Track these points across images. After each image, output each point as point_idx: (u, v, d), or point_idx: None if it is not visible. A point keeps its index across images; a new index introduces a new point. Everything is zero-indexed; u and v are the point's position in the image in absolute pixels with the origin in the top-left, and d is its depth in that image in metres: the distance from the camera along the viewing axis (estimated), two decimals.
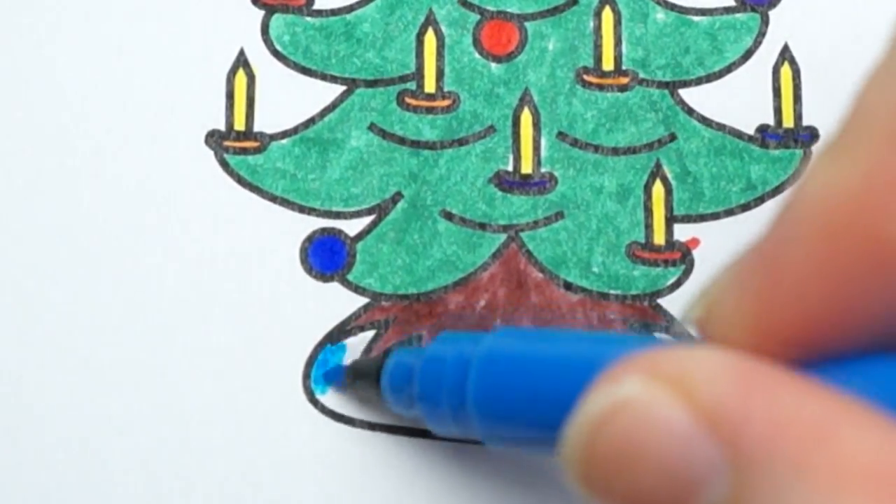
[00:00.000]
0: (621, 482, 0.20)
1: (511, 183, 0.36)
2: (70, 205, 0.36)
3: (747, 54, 0.37)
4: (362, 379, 0.34)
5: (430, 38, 0.37)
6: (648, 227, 0.36)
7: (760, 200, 0.37)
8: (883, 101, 0.20)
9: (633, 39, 0.37)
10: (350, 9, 0.37)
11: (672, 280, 0.36)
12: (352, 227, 0.36)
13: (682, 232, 0.36)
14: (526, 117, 0.37)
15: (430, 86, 0.37)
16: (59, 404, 0.35)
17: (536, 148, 0.37)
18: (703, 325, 0.22)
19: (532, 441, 0.27)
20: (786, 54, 0.37)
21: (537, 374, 0.26)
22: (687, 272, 0.36)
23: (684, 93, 0.37)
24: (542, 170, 0.37)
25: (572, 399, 0.22)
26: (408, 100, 0.37)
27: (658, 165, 0.37)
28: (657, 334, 0.36)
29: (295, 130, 0.37)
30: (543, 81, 0.37)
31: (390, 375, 0.33)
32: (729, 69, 0.37)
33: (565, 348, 0.26)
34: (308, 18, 0.37)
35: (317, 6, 0.37)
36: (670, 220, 0.36)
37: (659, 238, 0.36)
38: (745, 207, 0.36)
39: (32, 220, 0.36)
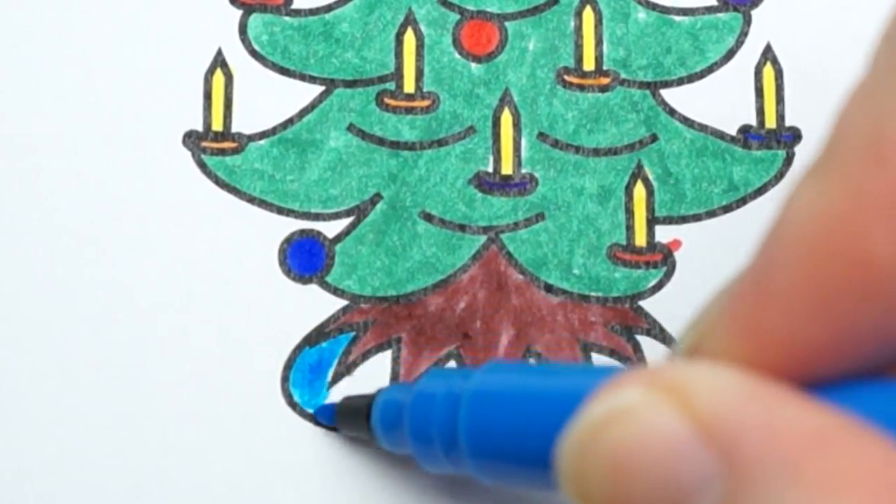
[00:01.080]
0: (615, 490, 0.20)
1: (491, 184, 0.36)
2: (47, 205, 0.36)
3: (729, 54, 0.37)
4: (352, 417, 0.34)
5: (409, 38, 0.37)
6: (629, 228, 0.36)
7: (743, 202, 0.36)
8: (863, 120, 0.20)
9: (614, 39, 0.37)
10: (329, 8, 0.37)
11: (653, 282, 0.36)
12: (330, 228, 0.36)
13: (663, 233, 0.36)
14: (506, 118, 0.37)
15: (409, 86, 0.37)
16: (35, 406, 0.34)
17: (517, 149, 0.36)
18: (692, 355, 0.22)
19: (526, 477, 0.26)
20: (768, 54, 0.37)
21: (529, 408, 0.26)
22: (668, 274, 0.36)
23: (666, 93, 0.37)
24: (523, 171, 0.36)
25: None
26: (387, 100, 0.37)
27: (639, 166, 0.36)
28: (639, 336, 0.35)
29: (273, 131, 0.36)
30: (524, 82, 0.37)
31: (380, 413, 0.32)
32: (711, 69, 0.37)
33: (557, 382, 0.26)
34: (286, 18, 0.37)
35: (295, 6, 0.37)
36: (652, 221, 0.36)
37: (640, 240, 0.36)
38: (727, 209, 0.36)
39: (8, 222, 0.36)
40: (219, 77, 0.37)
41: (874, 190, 0.20)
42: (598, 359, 0.35)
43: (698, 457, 0.19)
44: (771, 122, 0.37)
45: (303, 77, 0.37)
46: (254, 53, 0.37)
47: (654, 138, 0.37)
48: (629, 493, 0.20)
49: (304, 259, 0.36)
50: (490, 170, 0.36)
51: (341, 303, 0.36)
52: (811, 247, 0.20)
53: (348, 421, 0.34)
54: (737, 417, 0.19)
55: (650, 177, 0.36)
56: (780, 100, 0.37)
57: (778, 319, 0.20)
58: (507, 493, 0.34)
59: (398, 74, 0.37)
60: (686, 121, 0.37)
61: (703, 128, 0.37)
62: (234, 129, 0.36)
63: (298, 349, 0.35)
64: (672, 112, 0.37)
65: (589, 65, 0.37)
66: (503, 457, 0.26)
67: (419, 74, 0.37)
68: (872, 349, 0.20)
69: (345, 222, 0.36)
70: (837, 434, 0.19)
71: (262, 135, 0.36)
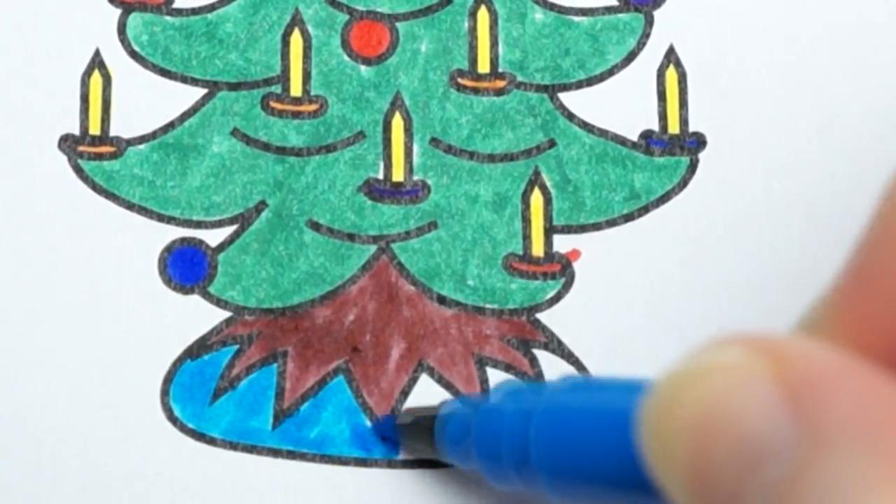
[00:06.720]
0: (695, 441, 0.20)
1: (382, 191, 0.36)
2: None
3: (630, 56, 0.37)
4: (415, 430, 0.34)
5: (296, 39, 0.37)
6: (526, 237, 0.36)
7: (645, 210, 0.36)
8: None
9: (510, 41, 0.37)
10: (212, 8, 0.37)
11: (551, 294, 0.35)
12: (213, 237, 0.36)
13: (562, 243, 0.36)
14: (397, 122, 0.36)
15: (296, 89, 0.36)
16: None
17: (408, 155, 0.36)
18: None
19: (602, 495, 0.26)
20: (671, 56, 0.37)
21: (605, 424, 0.26)
22: (567, 285, 0.36)
23: (564, 97, 0.37)
24: (415, 177, 0.36)
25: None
26: (273, 104, 0.36)
27: (536, 173, 0.36)
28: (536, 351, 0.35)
29: (153, 135, 0.36)
30: (416, 85, 0.36)
31: (446, 429, 0.32)
32: (611, 72, 0.37)
33: (634, 396, 0.25)
34: (167, 18, 0.37)
35: (177, 5, 0.37)
36: (549, 230, 0.36)
37: (537, 249, 0.36)
38: (629, 217, 0.36)
39: None
40: (96, 79, 0.36)
41: None
42: (494, 374, 0.35)
43: (781, 420, 0.20)
44: (674, 128, 0.36)
45: (184, 79, 0.36)
46: (133, 54, 0.36)
47: (551, 144, 0.36)
48: (708, 446, 0.20)
49: (186, 268, 0.35)
50: (380, 176, 0.36)
51: (224, 314, 0.35)
52: None
53: (411, 434, 0.34)
54: (827, 387, 0.20)
55: (548, 184, 0.36)
56: (683, 104, 0.36)
57: (877, 309, 0.21)
58: None
59: (284, 77, 0.36)
60: (585, 125, 0.36)
61: (603, 133, 0.36)
62: (113, 132, 0.36)
63: (179, 362, 0.35)
64: (571, 116, 0.36)
65: (484, 67, 0.37)
66: (577, 474, 0.26)
67: (306, 77, 0.36)
68: None
69: (228, 230, 0.36)
70: None
71: (142, 139, 0.36)
